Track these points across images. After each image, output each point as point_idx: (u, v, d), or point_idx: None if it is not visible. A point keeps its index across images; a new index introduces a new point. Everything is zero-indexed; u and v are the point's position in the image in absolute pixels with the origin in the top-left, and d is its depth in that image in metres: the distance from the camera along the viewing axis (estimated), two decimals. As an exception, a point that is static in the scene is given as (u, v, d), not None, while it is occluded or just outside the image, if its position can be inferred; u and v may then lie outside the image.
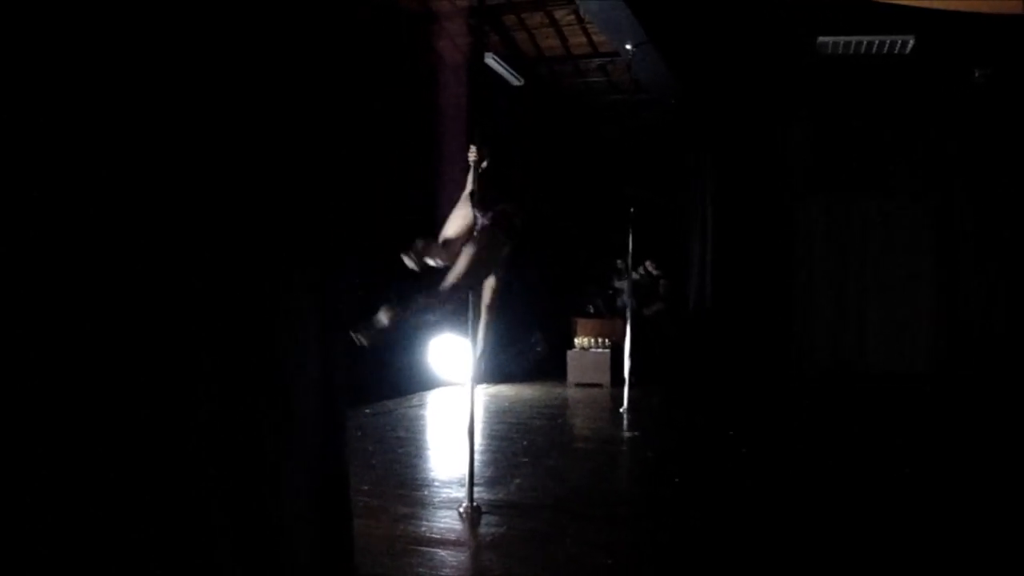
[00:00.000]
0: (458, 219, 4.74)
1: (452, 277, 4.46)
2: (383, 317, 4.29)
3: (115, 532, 1.80)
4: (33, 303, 1.63)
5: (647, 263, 10.78)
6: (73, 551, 1.71)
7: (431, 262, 4.63)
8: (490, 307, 4.90)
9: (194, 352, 2.03)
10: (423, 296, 4.48)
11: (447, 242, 4.67)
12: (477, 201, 4.62)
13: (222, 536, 2.10)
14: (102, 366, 1.77)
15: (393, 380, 8.73)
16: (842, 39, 8.24)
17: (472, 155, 4.63)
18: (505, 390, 9.44)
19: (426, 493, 4.98)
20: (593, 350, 10.05)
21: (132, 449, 1.84)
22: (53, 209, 1.67)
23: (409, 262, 4.60)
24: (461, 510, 4.49)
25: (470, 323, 4.77)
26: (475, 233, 4.60)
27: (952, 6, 6.41)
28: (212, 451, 2.08)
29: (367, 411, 7.69)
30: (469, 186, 4.72)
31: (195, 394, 2.03)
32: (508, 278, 4.97)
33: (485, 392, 9.11)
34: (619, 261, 10.44)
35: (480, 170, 4.63)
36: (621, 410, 7.95)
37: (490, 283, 4.90)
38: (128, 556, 1.82)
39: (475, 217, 4.64)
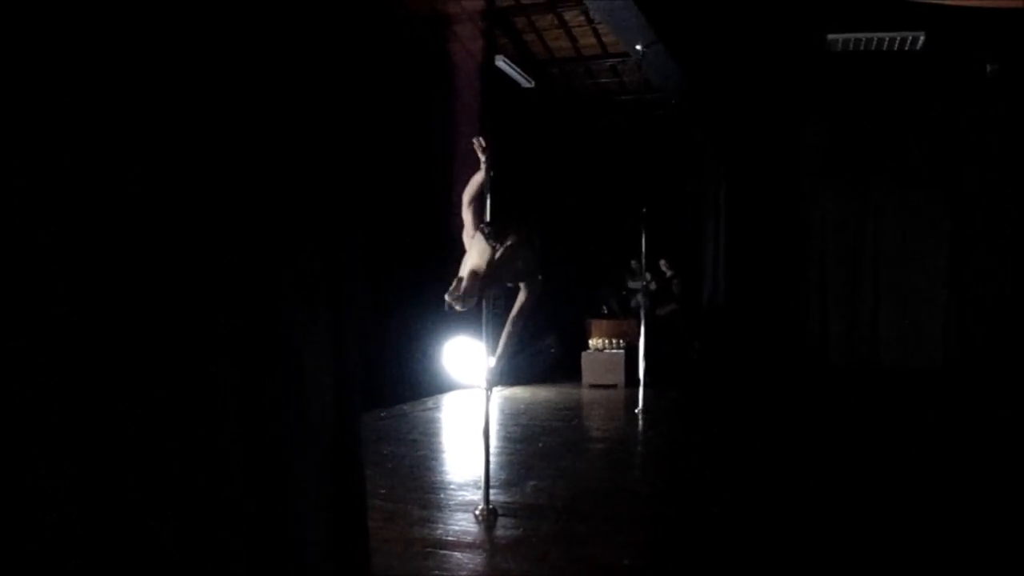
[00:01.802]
0: (475, 255, 4.79)
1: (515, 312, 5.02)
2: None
3: (129, 530, 1.83)
4: (49, 300, 1.66)
5: (661, 262, 10.78)
6: (92, 543, 1.74)
7: (464, 303, 4.68)
8: (515, 319, 4.96)
9: (206, 352, 2.05)
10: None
11: (474, 277, 4.73)
12: (491, 231, 4.76)
13: (236, 538, 2.12)
14: (109, 362, 1.79)
15: (408, 383, 8.79)
16: (852, 36, 8.22)
17: (478, 145, 4.73)
18: (520, 392, 9.47)
19: (442, 496, 5.01)
20: (608, 351, 10.06)
21: (142, 449, 1.86)
22: (68, 201, 1.69)
23: (457, 304, 4.67)
24: (477, 512, 4.52)
25: (484, 326, 4.81)
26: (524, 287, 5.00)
27: (959, 3, 6.38)
28: (226, 453, 2.10)
29: (382, 414, 7.73)
30: (473, 189, 4.80)
31: (208, 393, 2.05)
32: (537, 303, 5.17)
33: (500, 394, 9.14)
34: (633, 262, 10.45)
35: (489, 169, 4.72)
36: (636, 411, 7.96)
37: (521, 297, 5.01)
38: (146, 555, 1.85)
39: (493, 249, 4.73)
